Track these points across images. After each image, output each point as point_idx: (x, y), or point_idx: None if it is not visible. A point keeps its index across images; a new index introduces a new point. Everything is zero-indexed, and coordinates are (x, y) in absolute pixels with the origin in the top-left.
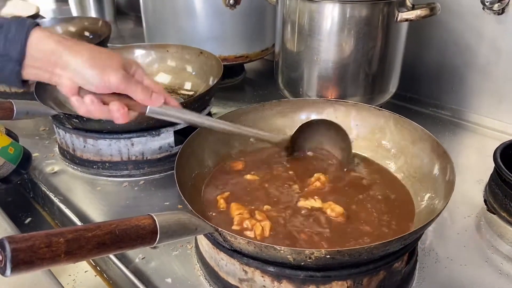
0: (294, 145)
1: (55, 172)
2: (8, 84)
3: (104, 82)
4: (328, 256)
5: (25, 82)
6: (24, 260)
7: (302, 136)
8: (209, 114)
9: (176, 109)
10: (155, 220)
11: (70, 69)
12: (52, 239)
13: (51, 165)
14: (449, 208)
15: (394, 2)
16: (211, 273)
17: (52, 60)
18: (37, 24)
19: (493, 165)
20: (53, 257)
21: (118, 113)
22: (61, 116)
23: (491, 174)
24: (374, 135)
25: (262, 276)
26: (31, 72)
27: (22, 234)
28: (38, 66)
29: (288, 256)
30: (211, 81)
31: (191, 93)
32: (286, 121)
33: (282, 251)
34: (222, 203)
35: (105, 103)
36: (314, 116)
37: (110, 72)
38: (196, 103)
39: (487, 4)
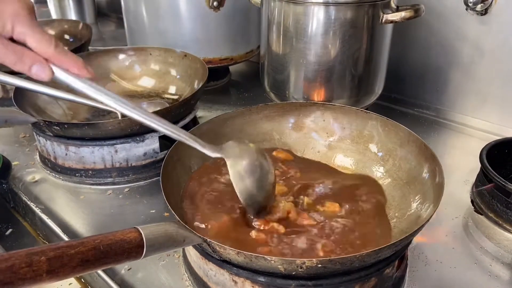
0: None
1: (36, 181)
2: None
3: None
4: (319, 265)
5: None
6: (3, 281)
7: None
8: (195, 118)
9: (75, 79)
10: (141, 233)
11: None
12: (33, 258)
13: (32, 173)
14: (437, 209)
15: (379, 4)
16: (200, 283)
17: None
18: None
19: (479, 165)
20: (35, 277)
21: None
22: (41, 124)
23: (478, 175)
24: (361, 138)
25: (253, 286)
26: None
27: (0, 254)
28: None
29: (279, 266)
30: (196, 85)
31: (176, 97)
32: (273, 125)
33: (272, 261)
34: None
35: None
36: (301, 119)
37: None
38: (181, 107)
39: (470, 5)
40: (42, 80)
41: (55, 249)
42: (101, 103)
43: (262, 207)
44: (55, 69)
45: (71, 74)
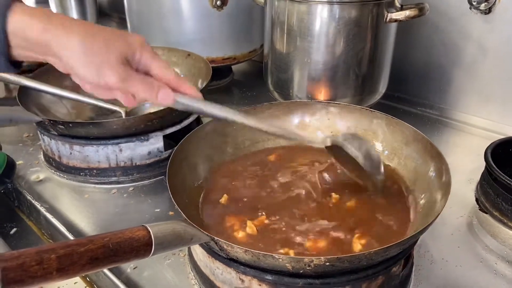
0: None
1: (41, 180)
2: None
3: (100, 82)
4: (327, 264)
5: (19, 64)
6: (14, 279)
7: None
8: (198, 118)
9: (195, 100)
10: (149, 232)
11: (62, 61)
12: (43, 256)
13: (36, 173)
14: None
15: (383, 2)
16: (206, 282)
17: (42, 49)
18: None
19: (483, 164)
20: (45, 274)
21: (123, 100)
22: (46, 123)
23: (482, 173)
24: (366, 136)
25: (260, 285)
26: (22, 56)
27: (11, 252)
28: (27, 54)
29: (287, 264)
30: (200, 84)
31: None
32: (278, 124)
33: (280, 260)
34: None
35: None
36: (306, 118)
37: (106, 71)
38: None
39: (474, 3)
40: (166, 105)
41: (65, 247)
42: (215, 116)
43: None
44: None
45: (187, 96)
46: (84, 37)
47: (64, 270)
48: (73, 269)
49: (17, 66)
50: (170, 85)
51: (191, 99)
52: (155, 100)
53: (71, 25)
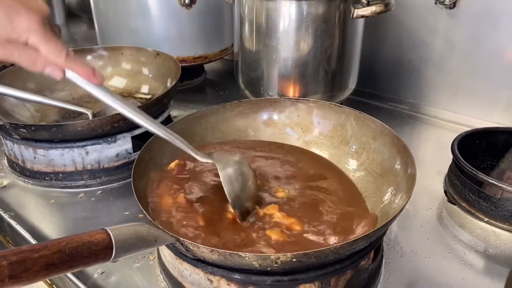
0: None
1: (4, 186)
2: None
3: None
4: (294, 260)
5: None
6: None
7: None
8: (169, 117)
9: (86, 82)
10: (109, 235)
11: None
12: None
13: (0, 178)
14: (411, 201)
15: None
16: (175, 284)
17: None
18: None
19: (452, 156)
20: None
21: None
22: (8, 126)
23: (450, 166)
24: (336, 132)
25: (228, 284)
26: None
27: None
28: None
29: (254, 263)
30: (169, 83)
31: (148, 96)
32: (247, 121)
33: (247, 258)
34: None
35: None
36: (275, 116)
37: None
38: (154, 106)
39: None
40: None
41: (18, 253)
42: (106, 104)
43: (246, 211)
44: (67, 70)
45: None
46: None
47: (17, 277)
48: (27, 276)
49: None
50: (60, 66)
51: (82, 80)
52: (35, 71)
53: None
